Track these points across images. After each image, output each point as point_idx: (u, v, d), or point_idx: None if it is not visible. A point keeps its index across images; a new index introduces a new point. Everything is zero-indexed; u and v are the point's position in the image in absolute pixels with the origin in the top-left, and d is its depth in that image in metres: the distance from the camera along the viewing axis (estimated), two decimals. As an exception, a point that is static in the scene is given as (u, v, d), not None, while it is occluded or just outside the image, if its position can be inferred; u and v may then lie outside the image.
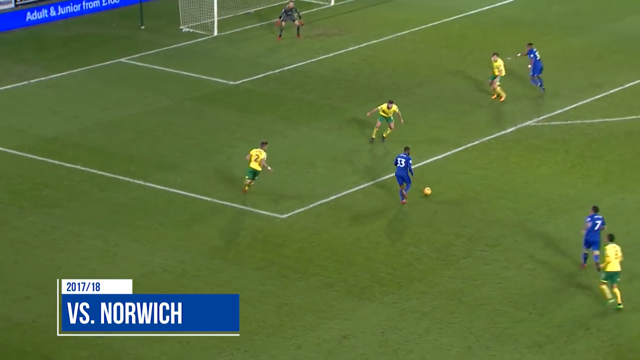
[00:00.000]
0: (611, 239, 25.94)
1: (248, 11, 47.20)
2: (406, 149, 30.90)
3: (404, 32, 44.53)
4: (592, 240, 26.93)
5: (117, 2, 48.34)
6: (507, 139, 34.75)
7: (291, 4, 43.49)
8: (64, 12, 46.91)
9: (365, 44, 43.48)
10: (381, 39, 43.91)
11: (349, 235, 29.16)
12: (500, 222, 29.75)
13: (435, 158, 33.54)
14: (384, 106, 34.03)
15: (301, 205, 30.68)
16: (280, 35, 43.48)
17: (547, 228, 29.38)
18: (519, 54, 38.74)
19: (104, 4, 48.00)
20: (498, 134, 35.00)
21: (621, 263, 25.63)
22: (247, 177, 31.08)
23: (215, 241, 28.79)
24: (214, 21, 44.78)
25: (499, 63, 36.92)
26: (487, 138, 34.72)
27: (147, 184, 31.93)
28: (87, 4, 47.55)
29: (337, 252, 28.24)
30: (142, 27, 45.67)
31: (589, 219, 26.98)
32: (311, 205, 30.68)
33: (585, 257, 27.26)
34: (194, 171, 32.77)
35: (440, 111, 36.91)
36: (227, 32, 44.89)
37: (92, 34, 45.02)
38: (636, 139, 34.48)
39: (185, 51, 43.00)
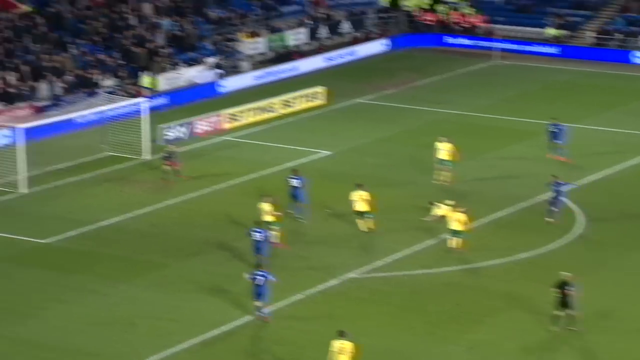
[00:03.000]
0: (342, 335, 28.69)
1: (59, 167, 46.57)
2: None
3: (222, 185, 44.82)
4: (260, 292, 32.22)
5: None
6: (332, 292, 35.05)
7: (172, 148, 44.65)
8: None
9: (183, 197, 43.50)
10: (199, 192, 44.01)
11: (173, 398, 28.53)
12: (328, 378, 29.73)
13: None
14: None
15: (121, 368, 29.92)
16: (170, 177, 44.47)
17: (374, 383, 29.61)
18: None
19: None
20: (321, 286, 35.19)
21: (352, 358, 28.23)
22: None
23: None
24: (23, 178, 43.94)
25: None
26: (310, 291, 34.92)
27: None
28: None
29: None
30: (-57, 186, 44.36)
31: (250, 276, 32.45)
32: (132, 368, 29.94)
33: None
34: (5, 337, 31.53)
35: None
36: (37, 189, 44.07)
37: None
38: (454, 290, 35.31)
39: (-9, 210, 41.96)
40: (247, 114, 54.19)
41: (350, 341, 28.35)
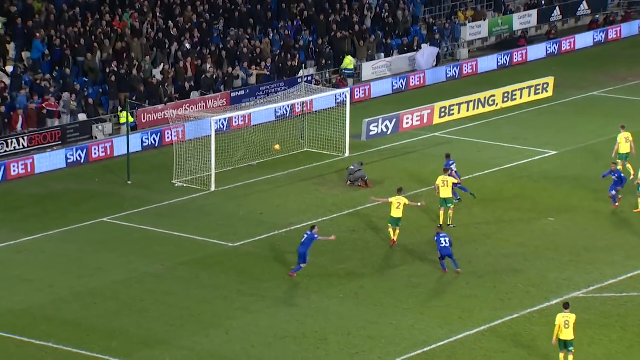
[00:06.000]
0: (566, 307, 30.61)
1: (251, 163, 47.47)
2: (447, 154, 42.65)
3: (429, 187, 44.53)
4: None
5: (101, 154, 48.30)
6: (552, 312, 34.14)
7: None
8: (40, 166, 46.62)
9: (385, 200, 43.40)
10: (403, 195, 43.79)
11: None
12: (547, 410, 29.04)
13: (467, 333, 33.01)
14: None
15: (311, 387, 30.12)
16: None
17: (603, 418, 28.73)
18: None
19: (85, 157, 47.84)
20: (541, 305, 34.58)
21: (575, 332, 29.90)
22: (390, 224, 38.74)
23: None
24: (211, 175, 44.89)
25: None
26: (528, 310, 34.33)
27: (129, 362, 31.40)
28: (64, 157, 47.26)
29: None
30: (129, 182, 45.74)
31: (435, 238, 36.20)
32: (322, 388, 30.12)
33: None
34: (186, 347, 32.22)
35: (473, 278, 36.59)
36: (226, 187, 44.94)
37: (71, 191, 45.02)
38: None
39: (178, 209, 42.99)
40: (462, 107, 53.77)
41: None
